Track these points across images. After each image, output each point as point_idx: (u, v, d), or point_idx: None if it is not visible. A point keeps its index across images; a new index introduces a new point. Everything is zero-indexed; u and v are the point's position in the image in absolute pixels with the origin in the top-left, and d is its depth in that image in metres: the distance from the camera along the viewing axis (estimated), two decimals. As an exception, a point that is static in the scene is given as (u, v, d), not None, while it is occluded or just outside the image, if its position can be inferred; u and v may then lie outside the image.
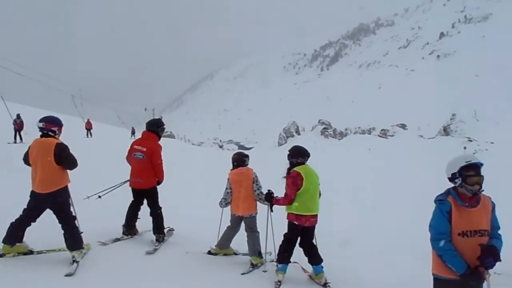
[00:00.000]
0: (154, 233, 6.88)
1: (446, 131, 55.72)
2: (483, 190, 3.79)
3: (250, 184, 6.46)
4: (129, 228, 6.97)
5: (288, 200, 5.74)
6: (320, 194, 6.12)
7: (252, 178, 6.49)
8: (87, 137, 31.82)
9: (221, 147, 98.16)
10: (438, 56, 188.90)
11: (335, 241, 7.22)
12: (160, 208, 6.85)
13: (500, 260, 3.62)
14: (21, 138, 20.08)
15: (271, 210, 6.31)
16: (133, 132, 41.38)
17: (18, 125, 20.36)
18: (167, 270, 5.88)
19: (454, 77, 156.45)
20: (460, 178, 3.77)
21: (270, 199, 6.06)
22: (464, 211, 3.76)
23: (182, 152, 29.16)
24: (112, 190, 7.52)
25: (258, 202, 6.52)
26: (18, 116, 20.87)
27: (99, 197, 7.39)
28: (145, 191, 6.76)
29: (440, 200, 3.85)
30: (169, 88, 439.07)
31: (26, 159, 5.43)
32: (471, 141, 43.78)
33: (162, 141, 7.00)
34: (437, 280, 3.92)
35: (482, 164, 3.78)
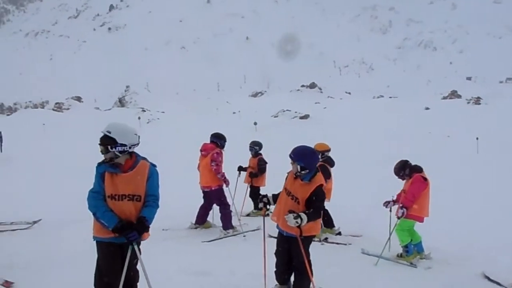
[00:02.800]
0: None
1: (121, 102, 57.23)
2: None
3: None
4: None
5: None
6: None
7: None
8: None
9: None
10: (110, 28, 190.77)
11: None
12: None
13: (147, 229, 3.92)
14: None
15: None
16: None
17: None
18: None
19: (125, 50, 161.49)
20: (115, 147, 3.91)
21: None
22: (115, 176, 3.90)
23: None
24: None
25: None
26: None
27: None
28: None
29: (99, 163, 3.93)
30: None
31: None
32: (144, 111, 46.40)
33: None
34: (98, 243, 3.96)
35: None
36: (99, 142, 3.91)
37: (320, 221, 5.00)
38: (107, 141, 3.86)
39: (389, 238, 6.62)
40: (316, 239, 6.74)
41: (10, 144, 24.61)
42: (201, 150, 7.88)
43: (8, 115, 47.42)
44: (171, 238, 7.14)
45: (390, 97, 58.83)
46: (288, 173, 4.98)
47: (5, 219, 8.25)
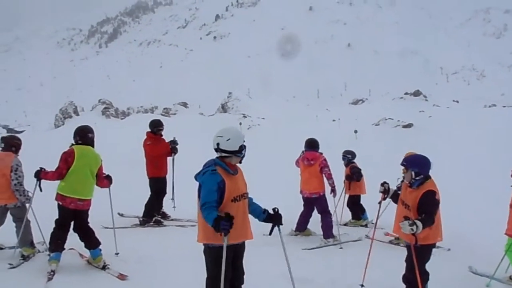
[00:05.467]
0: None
1: (224, 108, 58.84)
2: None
3: (8, 172, 5.77)
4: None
5: (57, 173, 5.48)
6: (107, 180, 6.10)
7: (10, 166, 5.79)
8: None
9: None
10: (215, 37, 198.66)
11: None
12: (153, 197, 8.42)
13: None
14: None
15: (40, 190, 5.72)
16: None
17: None
18: None
19: (229, 58, 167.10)
20: (245, 149, 4.11)
21: (38, 174, 5.63)
22: (233, 178, 4.05)
23: None
24: None
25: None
26: None
27: None
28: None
29: (213, 171, 3.97)
30: None
31: None
32: (245, 117, 47.53)
33: None
34: (209, 249, 4.07)
35: None
36: (239, 149, 4.09)
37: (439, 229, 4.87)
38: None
39: (503, 257, 6.17)
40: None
41: (125, 147, 26.51)
42: (308, 159, 7.93)
43: (122, 119, 51.00)
44: (272, 243, 7.23)
45: (504, 106, 54.47)
46: (401, 181, 5.04)
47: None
